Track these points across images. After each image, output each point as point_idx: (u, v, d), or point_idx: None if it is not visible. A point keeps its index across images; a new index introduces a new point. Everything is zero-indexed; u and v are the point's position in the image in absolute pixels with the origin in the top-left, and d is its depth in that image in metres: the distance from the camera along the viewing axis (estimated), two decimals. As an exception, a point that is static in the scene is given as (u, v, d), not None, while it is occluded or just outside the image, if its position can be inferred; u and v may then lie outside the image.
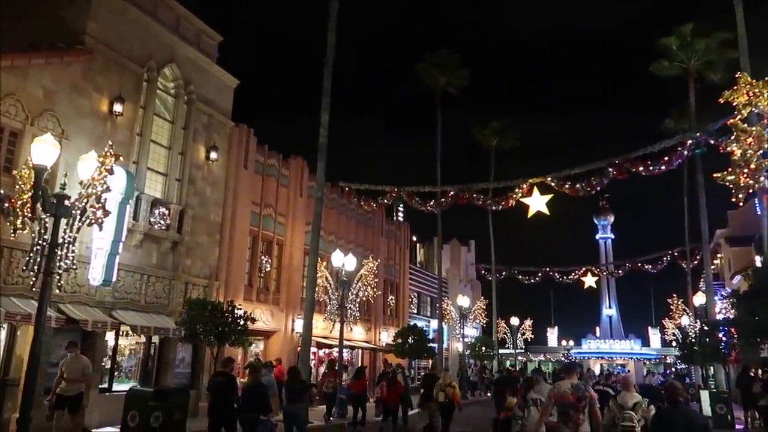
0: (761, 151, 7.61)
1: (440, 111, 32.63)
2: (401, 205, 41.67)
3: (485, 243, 41.61)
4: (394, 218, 38.96)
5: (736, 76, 8.03)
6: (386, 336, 30.83)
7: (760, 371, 24.63)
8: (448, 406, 13.56)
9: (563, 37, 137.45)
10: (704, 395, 21.09)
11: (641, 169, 20.67)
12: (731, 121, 7.81)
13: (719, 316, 27.65)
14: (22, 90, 13.94)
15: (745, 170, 7.56)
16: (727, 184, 7.97)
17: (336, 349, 28.86)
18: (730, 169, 7.80)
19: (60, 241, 9.42)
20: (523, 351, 58.74)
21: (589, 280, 45.19)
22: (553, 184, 21.96)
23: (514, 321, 48.62)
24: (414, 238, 44.08)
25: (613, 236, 68.36)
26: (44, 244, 9.35)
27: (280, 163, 23.88)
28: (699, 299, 30.61)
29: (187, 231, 18.32)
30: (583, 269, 44.67)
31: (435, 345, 31.27)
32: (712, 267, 32.76)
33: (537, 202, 22.41)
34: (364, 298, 22.34)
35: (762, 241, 13.13)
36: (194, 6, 19.89)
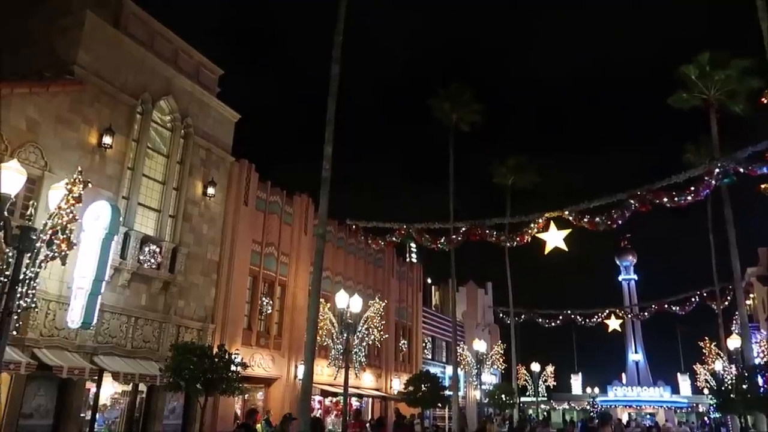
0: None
1: (452, 146, 31.65)
2: (413, 246, 40.64)
3: (503, 286, 39.90)
4: (407, 259, 37.69)
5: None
6: (398, 383, 29.06)
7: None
8: None
9: (585, 76, 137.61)
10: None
11: (665, 200, 19.19)
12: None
13: (756, 361, 25.60)
14: (3, 120, 13.23)
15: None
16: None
17: (353, 398, 27.57)
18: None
19: (21, 276, 8.45)
20: (545, 399, 56.02)
21: (613, 323, 42.99)
22: (570, 218, 20.53)
23: (535, 367, 46.37)
24: (429, 281, 42.63)
25: (636, 277, 65.91)
26: (5, 280, 8.42)
27: (284, 200, 22.95)
28: (733, 342, 28.51)
29: (180, 270, 17.27)
30: (607, 311, 42.51)
31: (450, 393, 29.50)
32: (745, 307, 30.72)
33: (554, 238, 20.93)
34: (370, 342, 20.87)
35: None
36: (195, 39, 19.48)
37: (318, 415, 24.75)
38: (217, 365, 14.29)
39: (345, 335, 19.61)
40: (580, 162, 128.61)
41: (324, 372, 23.30)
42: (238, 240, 19.94)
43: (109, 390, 15.83)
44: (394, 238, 23.84)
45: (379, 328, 20.76)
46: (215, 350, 14.85)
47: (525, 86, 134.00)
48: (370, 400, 28.20)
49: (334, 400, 25.03)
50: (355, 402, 27.28)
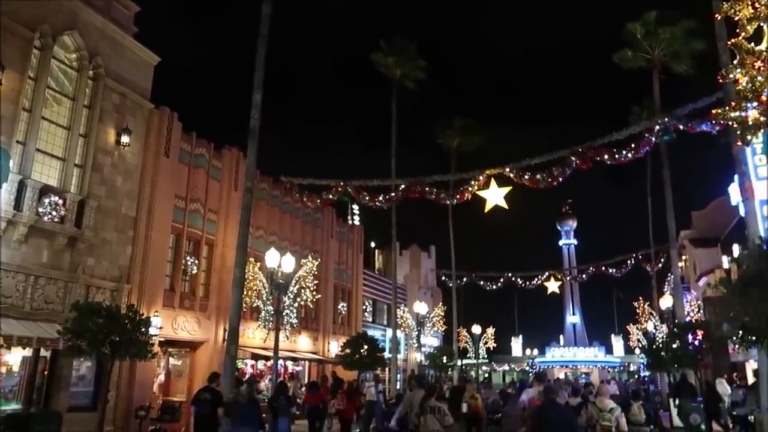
0: (775, 78, 5.57)
1: (395, 103, 30.51)
2: (356, 208, 39.64)
3: (447, 250, 39.62)
4: (350, 222, 36.69)
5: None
6: (336, 346, 28.36)
7: (731, 376, 23.13)
8: (473, 417, 14.58)
9: (540, 46, 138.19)
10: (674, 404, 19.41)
11: (606, 157, 18.81)
12: (733, 40, 5.78)
13: (687, 320, 26.25)
14: None
15: (755, 103, 5.51)
16: (730, 123, 5.92)
17: (289, 362, 26.66)
18: (733, 104, 5.75)
19: None
20: (486, 361, 57.03)
21: (552, 286, 43.61)
22: (511, 175, 19.92)
23: (476, 329, 46.79)
24: (373, 245, 41.90)
25: (576, 242, 67.48)
26: None
27: (211, 153, 21.35)
28: (666, 302, 29.18)
29: (89, 225, 15.67)
30: (546, 274, 43.04)
31: (390, 355, 29.08)
32: (678, 269, 31.42)
33: (494, 195, 20.33)
34: (302, 303, 19.91)
35: (750, 236, 11.29)
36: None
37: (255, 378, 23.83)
38: (125, 327, 12.99)
39: (276, 296, 18.63)
40: (533, 131, 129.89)
41: (256, 335, 22.24)
42: (157, 194, 18.36)
43: (17, 357, 14.35)
44: (330, 196, 22.75)
45: (312, 288, 19.80)
46: (126, 311, 13.56)
47: (479, 54, 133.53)
48: (307, 363, 27.39)
49: (268, 363, 24.05)
50: (291, 366, 26.46)
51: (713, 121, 17.50)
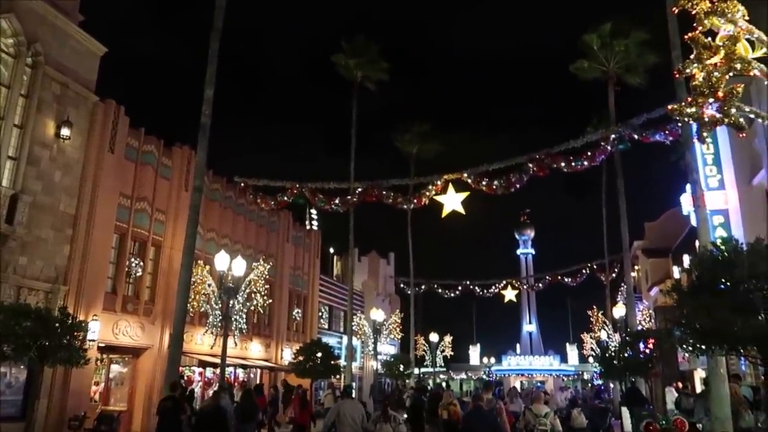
0: (731, 74, 5.39)
1: (356, 106, 30.05)
2: (314, 212, 38.98)
3: (405, 257, 39.32)
4: (308, 226, 36.03)
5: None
6: (289, 354, 27.62)
7: (680, 385, 23.44)
8: (452, 424, 14.26)
9: (503, 55, 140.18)
10: (625, 411, 19.48)
11: (563, 164, 18.92)
12: (691, 35, 5.58)
13: (638, 328, 26.57)
14: None
15: (711, 99, 5.30)
16: (686, 120, 5.70)
17: (239, 370, 25.77)
18: (689, 100, 5.53)
19: None
20: (444, 369, 56.93)
21: (510, 294, 43.93)
22: (469, 180, 19.84)
23: (434, 337, 46.69)
24: (332, 251, 41.30)
25: (533, 251, 68.22)
26: None
27: (161, 150, 20.49)
28: (619, 311, 29.52)
29: (21, 222, 14.69)
30: (504, 282, 43.25)
31: (344, 363, 28.48)
32: (631, 279, 31.93)
33: (452, 200, 20.21)
34: (252, 308, 19.21)
35: (703, 248, 11.27)
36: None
37: (197, 388, 22.90)
38: (56, 330, 12.11)
39: (225, 300, 17.88)
40: (494, 138, 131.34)
41: (205, 341, 21.38)
42: (100, 191, 17.44)
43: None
44: (285, 198, 22.17)
45: (263, 293, 19.12)
46: (56, 314, 12.68)
47: (443, 59, 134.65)
48: (258, 371, 26.55)
49: (217, 371, 23.16)
50: (240, 373, 25.59)
51: (666, 130, 17.79)
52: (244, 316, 19.21)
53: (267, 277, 20.47)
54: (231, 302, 17.91)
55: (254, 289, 18.92)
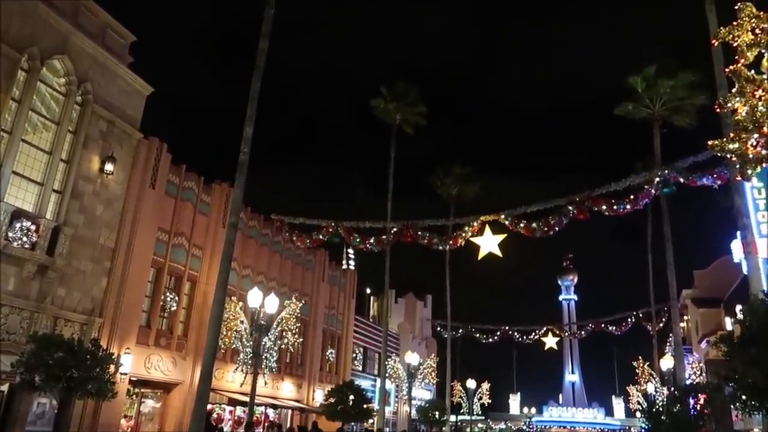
0: (778, 108, 5.01)
1: (393, 148, 30.20)
2: (351, 252, 38.92)
3: (444, 299, 38.62)
4: (345, 266, 35.95)
5: (736, 7, 5.53)
6: (321, 395, 27.13)
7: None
8: None
9: (547, 99, 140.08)
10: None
11: (604, 207, 18.33)
12: (732, 67, 5.27)
13: (687, 382, 25.07)
14: None
15: (755, 135, 4.93)
16: (729, 156, 5.33)
17: (270, 409, 25.44)
18: (732, 135, 5.17)
19: None
20: (482, 417, 54.99)
21: (550, 341, 42.39)
22: (506, 222, 19.43)
23: (471, 384, 45.23)
24: (368, 291, 41.00)
25: (576, 297, 66.20)
26: None
27: (200, 187, 20.88)
28: (666, 363, 28.03)
29: (62, 254, 15.02)
30: (545, 329, 41.85)
31: (377, 407, 27.75)
32: (679, 329, 30.39)
33: (488, 242, 19.78)
34: (283, 346, 18.99)
35: (752, 297, 10.51)
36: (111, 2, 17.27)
37: (227, 426, 22.63)
38: (85, 362, 12.17)
39: (256, 337, 17.73)
40: (535, 185, 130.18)
41: (236, 379, 21.16)
42: (140, 226, 17.78)
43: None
44: (321, 236, 22.17)
45: (294, 331, 18.90)
46: (88, 345, 12.76)
47: (485, 105, 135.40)
48: (289, 411, 26.12)
49: (247, 410, 22.87)
50: (271, 413, 25.22)
51: (714, 173, 17.03)
52: (276, 354, 18.96)
53: (299, 315, 20.26)
54: (262, 339, 17.76)
55: (286, 327, 18.72)
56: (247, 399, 20.90)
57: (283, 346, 19.08)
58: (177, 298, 19.48)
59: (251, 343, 18.41)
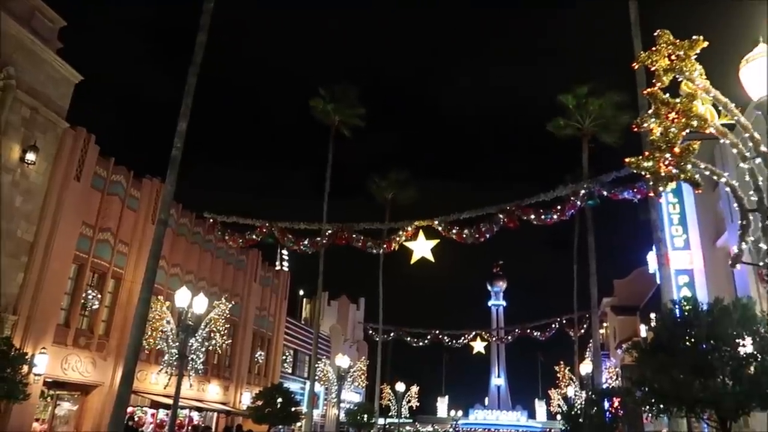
0: (687, 130, 5.46)
1: (332, 151, 30.19)
2: (285, 253, 38.58)
3: (376, 303, 38.87)
4: (278, 267, 35.55)
5: (655, 34, 5.96)
6: (248, 398, 26.70)
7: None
8: None
9: (486, 112, 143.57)
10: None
11: (533, 216, 18.96)
12: (649, 90, 5.67)
13: (605, 386, 26.37)
14: None
15: (667, 154, 5.34)
16: (643, 173, 5.73)
17: (194, 413, 24.72)
18: (647, 154, 5.57)
19: None
20: (410, 420, 55.62)
21: (479, 346, 43.32)
22: (440, 228, 19.78)
23: (400, 387, 45.69)
24: (301, 293, 40.71)
25: (505, 303, 68.20)
26: None
27: (130, 181, 20.14)
28: (585, 367, 29.34)
29: (-27, 246, 14.12)
30: (473, 333, 42.83)
31: (306, 410, 27.57)
32: (599, 335, 31.90)
33: (422, 247, 20.07)
34: (210, 348, 18.58)
35: (665, 306, 11.19)
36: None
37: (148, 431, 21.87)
38: (-6, 362, 11.49)
39: (183, 338, 17.25)
40: (471, 192, 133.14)
41: (159, 381, 20.52)
42: (62, 219, 16.94)
43: None
44: (254, 236, 21.83)
45: (222, 333, 18.53)
46: (-2, 344, 12.06)
47: (428, 116, 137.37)
48: (215, 414, 25.54)
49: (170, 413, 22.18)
50: (195, 416, 24.57)
51: (635, 188, 18.07)
52: (203, 355, 18.51)
53: (229, 316, 19.90)
54: (189, 341, 17.29)
55: (214, 329, 18.32)
56: (170, 402, 20.31)
57: (210, 348, 18.65)
58: (100, 296, 18.68)
59: (177, 344, 17.92)
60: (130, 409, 19.33)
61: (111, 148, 19.49)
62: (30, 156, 15.89)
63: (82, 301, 18.09)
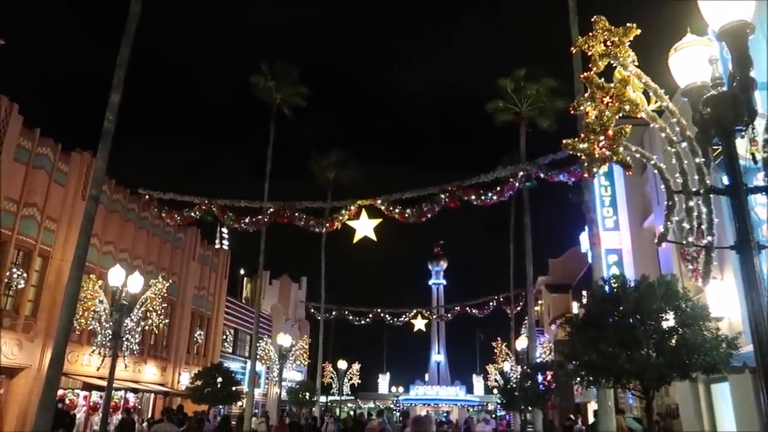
0: (620, 114, 5.65)
1: (273, 129, 29.63)
2: (225, 231, 37.81)
3: (318, 282, 38.80)
4: (218, 245, 34.80)
5: (592, 20, 6.11)
6: (187, 378, 26.22)
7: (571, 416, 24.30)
8: None
9: (428, 96, 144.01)
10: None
11: (473, 197, 19.35)
12: (585, 74, 5.81)
13: (538, 361, 27.51)
14: None
15: (602, 137, 5.52)
16: (579, 154, 5.89)
17: (130, 394, 24.02)
18: (582, 136, 5.73)
19: None
20: (351, 398, 56.21)
21: (419, 324, 44.12)
22: (382, 207, 19.86)
23: (342, 365, 46.02)
24: (242, 272, 40.05)
25: (445, 282, 69.49)
26: None
27: (57, 155, 19.13)
28: (521, 343, 30.43)
29: None
30: (414, 311, 43.53)
31: (247, 389, 27.36)
32: (534, 312, 33.09)
33: (364, 226, 20.11)
34: (148, 328, 18.08)
35: (600, 284, 11.63)
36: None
37: (80, 413, 21.15)
38: None
39: (117, 318, 16.67)
40: (411, 173, 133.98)
41: (92, 362, 19.83)
42: (-19, 194, 15.95)
43: None
44: (193, 214, 21.26)
45: (159, 312, 18.04)
46: None
47: (368, 91, 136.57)
48: (152, 396, 24.97)
49: (104, 395, 21.52)
50: (131, 398, 23.94)
51: (569, 171, 18.70)
52: (138, 336, 17.99)
53: (166, 295, 19.38)
54: (124, 321, 16.74)
55: (150, 308, 17.79)
56: (104, 383, 19.70)
57: (147, 328, 18.13)
58: (26, 274, 17.75)
59: (111, 324, 17.34)
60: (60, 392, 18.59)
61: (36, 120, 18.47)
62: (-55, 125, 14.81)
63: (6, 280, 17.14)
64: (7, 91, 16.89)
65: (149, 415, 24.16)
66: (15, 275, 17.37)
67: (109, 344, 17.07)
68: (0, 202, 16.71)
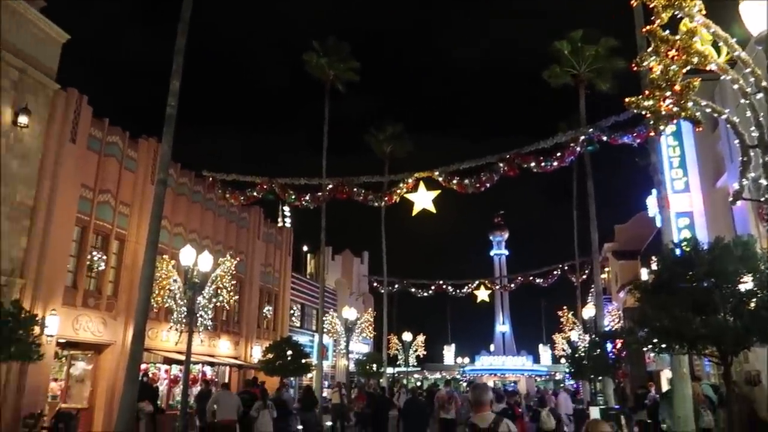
0: (687, 68, 5.34)
1: (328, 106, 29.82)
2: (287, 210, 38.64)
3: (380, 256, 39.20)
4: (281, 224, 35.66)
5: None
6: (259, 351, 27.27)
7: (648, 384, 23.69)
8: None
9: (480, 62, 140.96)
10: (594, 411, 19.64)
11: (533, 164, 18.88)
12: (648, 28, 5.51)
13: (607, 329, 26.87)
14: None
15: (668, 93, 5.24)
16: (644, 113, 5.63)
17: (207, 367, 25.32)
18: (647, 93, 5.46)
19: None
20: (418, 369, 56.92)
21: (482, 294, 43.92)
22: (440, 179, 19.70)
23: (407, 337, 46.59)
24: (305, 249, 40.96)
25: (507, 252, 68.68)
26: None
27: (126, 142, 20.01)
28: (588, 311, 29.78)
29: (-26, 212, 14.14)
30: (477, 282, 43.33)
31: (316, 361, 28.21)
32: (600, 280, 32.23)
33: (423, 199, 20.04)
34: (218, 304, 18.85)
35: (664, 250, 11.11)
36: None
37: (163, 386, 22.44)
38: (6, 324, 11.69)
39: (190, 295, 17.48)
40: (468, 142, 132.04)
41: (170, 338, 20.95)
42: (61, 182, 16.92)
43: None
44: (255, 193, 21.82)
45: (229, 289, 18.76)
46: (9, 307, 12.23)
47: (422, 63, 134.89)
48: (227, 368, 26.15)
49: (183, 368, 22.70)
50: (208, 371, 25.17)
51: (634, 132, 17.89)
52: (211, 312, 18.81)
53: (235, 272, 20.10)
54: (197, 298, 17.54)
55: (221, 285, 18.54)
56: (182, 357, 20.78)
57: (218, 304, 18.92)
58: (105, 257, 18.84)
59: (185, 301, 18.20)
60: (143, 366, 19.78)
61: (103, 109, 19.31)
62: (22, 119, 15.73)
63: (88, 262, 18.25)
64: (74, 84, 17.76)
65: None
66: (96, 258, 18.46)
67: (184, 320, 17.94)
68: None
